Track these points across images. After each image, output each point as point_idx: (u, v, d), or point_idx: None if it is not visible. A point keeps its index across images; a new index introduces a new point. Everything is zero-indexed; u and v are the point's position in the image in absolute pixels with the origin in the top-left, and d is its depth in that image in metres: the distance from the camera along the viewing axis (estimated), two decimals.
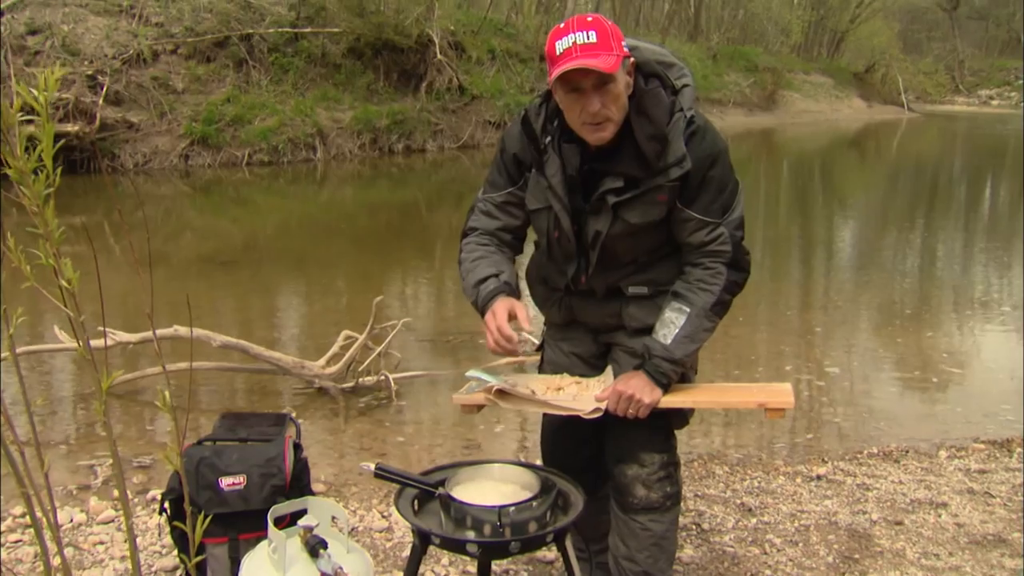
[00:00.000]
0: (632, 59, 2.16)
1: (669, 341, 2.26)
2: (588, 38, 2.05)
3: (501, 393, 2.35)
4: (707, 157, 2.19)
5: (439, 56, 17.90)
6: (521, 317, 2.27)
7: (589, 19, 2.10)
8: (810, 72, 35.22)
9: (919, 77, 40.31)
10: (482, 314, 2.35)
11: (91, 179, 13.32)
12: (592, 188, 2.25)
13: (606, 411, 2.28)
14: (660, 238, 2.31)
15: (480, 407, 2.47)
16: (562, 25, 2.11)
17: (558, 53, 2.07)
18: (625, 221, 2.24)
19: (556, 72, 2.06)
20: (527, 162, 2.34)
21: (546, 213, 2.33)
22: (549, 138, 2.26)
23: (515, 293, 2.36)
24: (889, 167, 20.76)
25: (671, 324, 2.27)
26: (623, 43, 2.13)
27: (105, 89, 14.20)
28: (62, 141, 1.27)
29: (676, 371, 2.29)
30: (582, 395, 2.38)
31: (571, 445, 2.55)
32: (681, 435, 2.52)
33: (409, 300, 7.69)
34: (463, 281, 2.43)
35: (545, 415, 2.58)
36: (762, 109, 29.31)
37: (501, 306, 2.29)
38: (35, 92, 1.23)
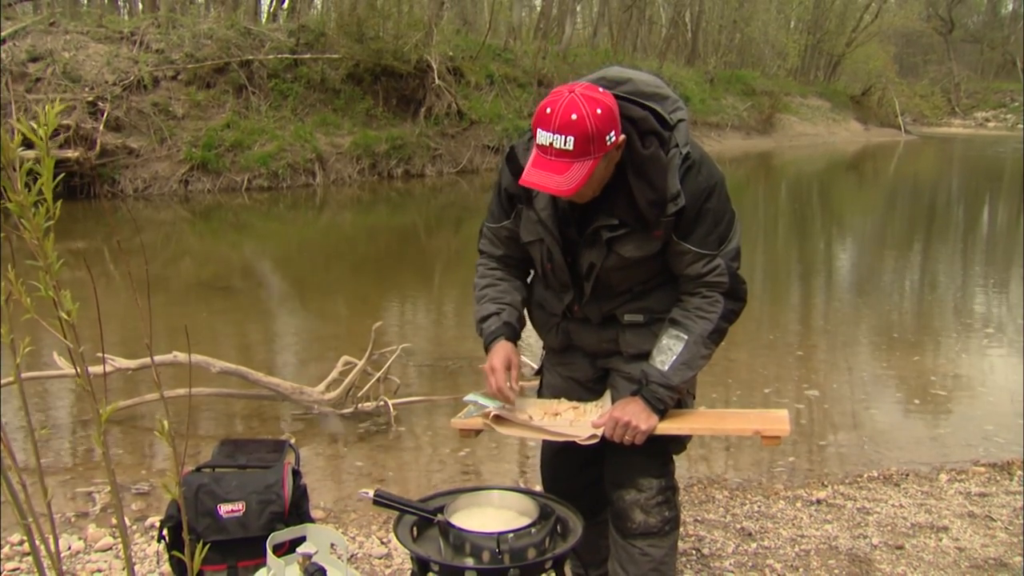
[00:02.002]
0: (621, 139, 2.09)
1: (666, 368, 2.26)
2: (565, 144, 2.00)
3: (498, 419, 2.35)
4: (702, 191, 2.19)
5: (438, 81, 18.02)
6: (514, 376, 2.34)
7: (574, 117, 1.99)
8: (807, 95, 35.46)
9: (915, 100, 40.63)
10: (485, 348, 2.41)
11: (91, 204, 13.37)
12: (584, 220, 2.25)
13: (603, 437, 2.28)
14: (655, 268, 2.32)
15: (478, 432, 2.47)
16: (548, 110, 2.02)
17: (537, 142, 2.06)
18: (619, 255, 2.24)
19: (525, 175, 2.08)
20: (518, 196, 2.35)
21: (538, 245, 2.34)
22: None
23: (515, 333, 2.42)
24: (887, 189, 20.84)
25: (668, 351, 2.27)
26: (615, 123, 2.05)
27: (105, 115, 14.30)
28: (62, 175, 1.28)
29: (673, 397, 2.29)
30: (579, 421, 2.38)
31: (571, 470, 2.55)
32: (681, 460, 2.52)
33: (408, 325, 7.69)
34: (475, 311, 2.49)
35: (545, 440, 2.58)
36: (760, 132, 29.49)
37: (498, 357, 2.35)
38: (35, 126, 1.24)
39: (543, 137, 2.04)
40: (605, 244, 2.23)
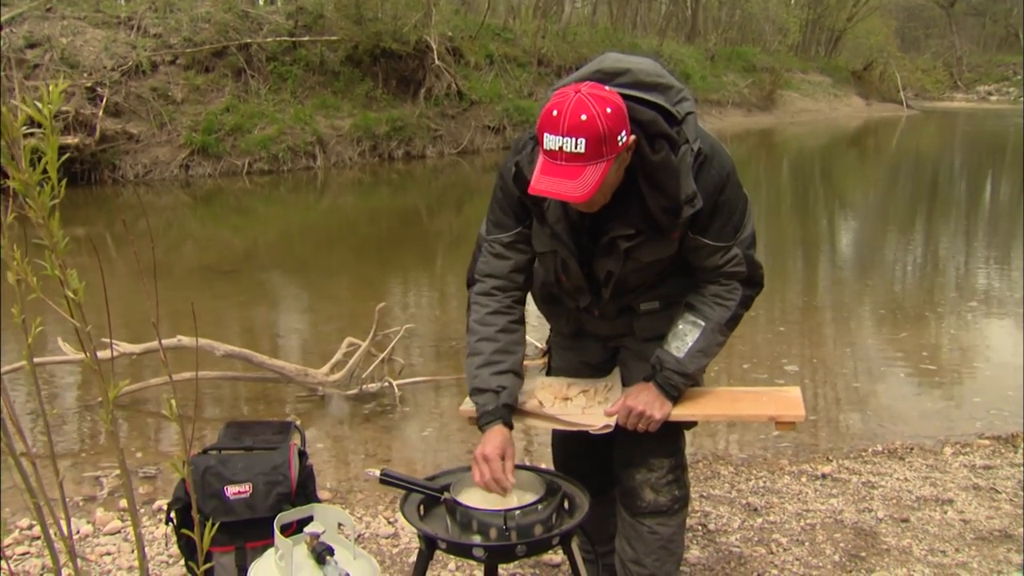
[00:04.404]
0: (632, 139, 1.99)
1: (682, 355, 2.23)
2: (576, 147, 1.89)
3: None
4: (716, 185, 2.12)
5: (437, 62, 17.93)
6: (508, 469, 2.15)
7: (583, 117, 1.88)
8: (808, 71, 35.27)
9: (917, 74, 40.38)
10: (480, 428, 2.26)
11: (92, 191, 13.36)
12: (599, 230, 2.17)
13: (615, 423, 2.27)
14: (672, 260, 2.27)
15: None
16: (555, 113, 1.91)
17: (545, 147, 1.94)
18: (637, 260, 2.19)
19: (534, 183, 1.96)
20: (528, 207, 2.24)
21: (552, 256, 2.28)
22: None
23: (511, 415, 2.27)
24: (889, 165, 20.77)
25: (684, 337, 2.24)
26: (625, 121, 1.95)
27: (105, 101, 14.23)
28: (66, 155, 1.28)
29: (687, 384, 2.27)
30: (590, 407, 2.36)
31: (582, 448, 2.53)
32: (686, 436, 2.51)
33: (411, 306, 7.69)
34: (467, 356, 2.32)
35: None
36: (761, 109, 29.35)
37: (492, 446, 2.16)
38: (39, 105, 1.24)
39: (551, 142, 1.91)
40: (623, 253, 2.17)
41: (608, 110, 1.90)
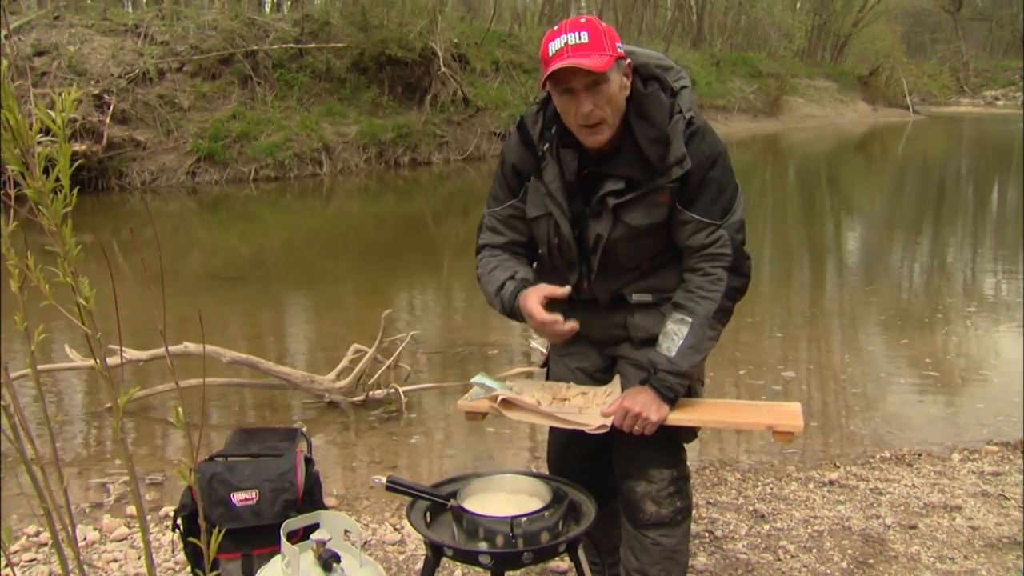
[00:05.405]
0: (629, 61, 2.16)
1: (673, 354, 2.23)
2: (580, 39, 2.06)
3: (506, 403, 2.33)
4: (707, 158, 2.19)
5: (443, 69, 17.98)
6: (551, 294, 2.27)
7: (582, 20, 2.11)
8: (814, 77, 35.26)
9: (923, 79, 40.39)
10: (513, 316, 2.35)
11: (98, 198, 13.41)
12: (591, 193, 2.24)
13: (612, 426, 2.26)
14: (661, 242, 2.30)
15: (484, 415, 2.44)
16: (555, 28, 2.12)
17: (550, 54, 2.09)
18: (626, 224, 2.22)
19: (546, 72, 2.09)
20: (526, 171, 2.33)
21: (546, 220, 2.31)
22: (547, 144, 2.25)
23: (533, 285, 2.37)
24: (895, 170, 20.73)
25: (674, 336, 2.24)
26: (618, 45, 2.12)
27: (112, 108, 14.30)
28: (79, 161, 1.29)
29: (683, 384, 2.26)
30: (588, 408, 2.35)
31: (579, 461, 2.53)
32: (692, 442, 2.50)
33: (418, 312, 7.70)
34: (486, 296, 2.43)
35: (552, 430, 2.56)
36: (766, 115, 29.36)
37: (532, 300, 2.26)
38: (52, 113, 1.24)
39: (557, 43, 2.08)
40: (612, 212, 2.22)
41: (601, 25, 2.12)
